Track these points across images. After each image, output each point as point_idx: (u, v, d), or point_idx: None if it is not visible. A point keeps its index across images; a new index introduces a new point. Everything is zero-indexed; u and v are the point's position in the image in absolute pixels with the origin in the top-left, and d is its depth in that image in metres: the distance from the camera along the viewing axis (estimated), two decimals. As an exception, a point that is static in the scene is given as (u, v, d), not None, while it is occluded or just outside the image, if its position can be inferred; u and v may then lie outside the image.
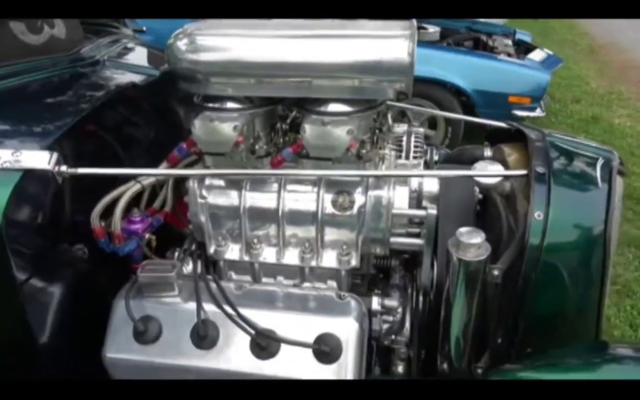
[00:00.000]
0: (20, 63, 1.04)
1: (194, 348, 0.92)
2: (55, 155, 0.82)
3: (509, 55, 3.77)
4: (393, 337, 1.13)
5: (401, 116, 3.37)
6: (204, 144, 0.99)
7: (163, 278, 0.95)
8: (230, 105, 0.99)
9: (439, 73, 3.42)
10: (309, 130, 0.95)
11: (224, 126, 0.96)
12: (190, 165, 1.12)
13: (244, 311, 0.94)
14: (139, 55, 1.45)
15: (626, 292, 2.37)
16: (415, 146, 1.24)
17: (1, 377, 0.92)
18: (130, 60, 1.39)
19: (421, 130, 1.31)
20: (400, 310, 1.12)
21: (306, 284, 1.06)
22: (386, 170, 1.10)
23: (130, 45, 1.46)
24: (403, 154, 1.23)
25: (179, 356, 0.92)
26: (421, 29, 3.93)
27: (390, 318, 1.13)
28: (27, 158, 0.82)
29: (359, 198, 1.01)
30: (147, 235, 1.03)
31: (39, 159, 0.82)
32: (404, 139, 1.26)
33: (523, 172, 0.95)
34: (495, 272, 0.88)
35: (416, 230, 1.07)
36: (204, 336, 0.91)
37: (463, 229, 0.89)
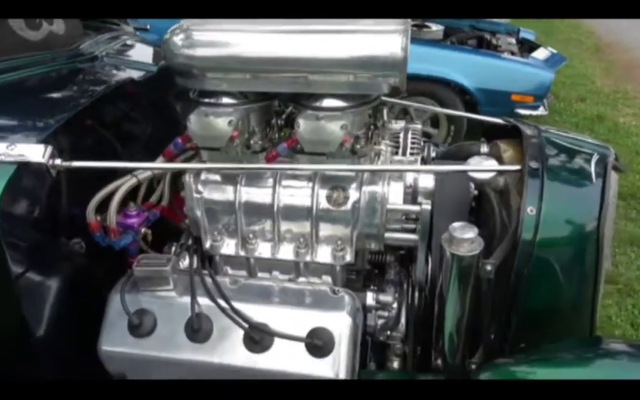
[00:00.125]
0: (18, 58, 1.06)
1: (187, 341, 0.93)
2: (49, 149, 0.83)
3: (513, 53, 3.76)
4: (388, 332, 1.13)
5: (403, 114, 3.37)
6: (199, 138, 0.99)
7: (158, 272, 0.96)
8: (225, 100, 1.00)
9: (442, 71, 3.41)
10: (303, 125, 0.95)
11: (218, 121, 0.96)
12: (186, 161, 1.12)
13: (238, 305, 0.94)
14: (138, 52, 1.46)
15: (628, 291, 2.35)
16: (413, 143, 1.24)
17: None
18: (129, 57, 1.40)
19: (418, 127, 1.31)
20: (395, 305, 1.12)
21: (301, 279, 1.07)
22: (380, 165, 1.10)
23: (129, 42, 1.47)
24: (400, 151, 1.23)
25: (173, 349, 0.93)
26: (424, 28, 3.92)
27: (386, 314, 1.13)
28: (22, 151, 0.83)
29: (353, 193, 1.01)
30: (143, 230, 1.04)
31: (33, 152, 0.83)
32: (401, 135, 1.26)
33: (517, 167, 0.95)
34: (488, 267, 0.88)
35: (411, 226, 1.07)
36: (197, 330, 0.92)
37: (456, 224, 0.89)
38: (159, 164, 1.06)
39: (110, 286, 0.99)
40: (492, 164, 0.98)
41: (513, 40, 4.07)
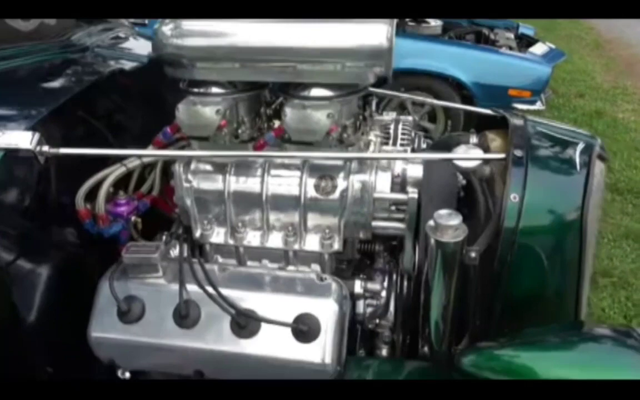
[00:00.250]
0: (9, 48, 1.06)
1: (175, 327, 0.94)
2: (37, 136, 0.84)
3: (511, 48, 3.76)
4: (377, 321, 1.14)
5: (401, 110, 3.37)
6: (187, 127, 1.00)
7: (146, 259, 0.97)
8: (214, 89, 1.01)
9: (440, 66, 3.42)
10: (289, 113, 0.96)
11: (206, 110, 0.97)
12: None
13: (227, 292, 0.95)
14: (131, 44, 1.47)
15: (622, 284, 2.36)
16: (403, 134, 1.25)
17: None
18: (121, 48, 1.40)
19: (409, 118, 1.32)
20: (384, 294, 1.13)
21: (290, 268, 1.08)
22: (367, 153, 1.10)
23: (122, 34, 1.47)
24: (390, 141, 1.24)
25: (161, 335, 0.94)
26: (423, 23, 3.92)
27: (375, 302, 1.14)
28: (9, 138, 0.84)
29: (341, 182, 1.02)
30: (133, 218, 1.05)
31: (20, 138, 0.84)
32: (392, 126, 1.27)
33: (501, 155, 0.96)
34: (473, 254, 0.89)
35: (399, 215, 1.08)
36: (185, 316, 0.93)
37: (441, 211, 0.90)
38: (147, 152, 1.06)
39: (101, 274, 1.01)
40: (478, 152, 0.98)
41: (511, 36, 4.07)
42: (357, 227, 1.05)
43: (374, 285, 1.11)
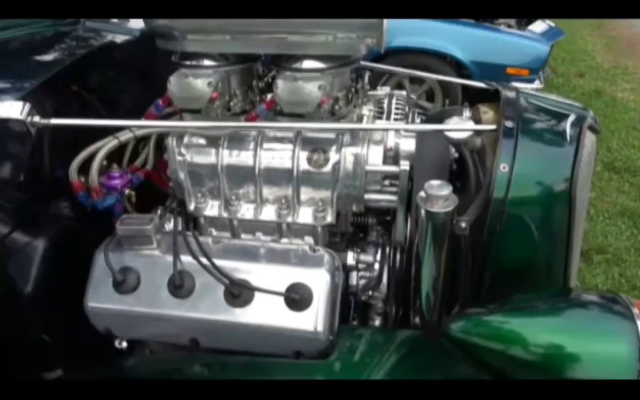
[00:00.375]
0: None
1: (170, 297, 0.95)
2: (27, 106, 0.84)
3: (509, 26, 3.72)
4: (370, 292, 1.16)
5: (399, 89, 3.35)
6: (179, 100, 1.01)
7: (140, 231, 0.98)
8: (205, 62, 1.01)
9: (437, 44, 3.39)
10: (281, 85, 0.96)
11: (197, 82, 0.97)
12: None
13: (220, 263, 0.97)
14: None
15: (616, 261, 2.39)
16: (397, 108, 1.25)
17: None
18: (113, 21, 1.39)
19: (403, 93, 1.32)
20: (377, 266, 1.15)
21: (284, 240, 1.09)
22: (358, 124, 1.10)
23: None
24: (384, 116, 1.24)
25: (157, 305, 0.96)
26: None
27: (368, 274, 1.16)
28: (0, 108, 0.85)
29: (333, 155, 1.03)
30: (126, 191, 1.06)
31: (11, 108, 0.84)
32: (385, 101, 1.27)
33: (492, 127, 0.96)
34: (463, 224, 0.90)
35: (392, 188, 1.09)
36: (180, 286, 0.95)
37: (432, 182, 0.91)
38: (140, 122, 1.06)
39: (96, 247, 1.02)
40: (469, 124, 0.99)
41: (511, 13, 4.02)
42: (350, 199, 1.06)
43: (366, 257, 1.12)
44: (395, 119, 1.22)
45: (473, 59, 3.35)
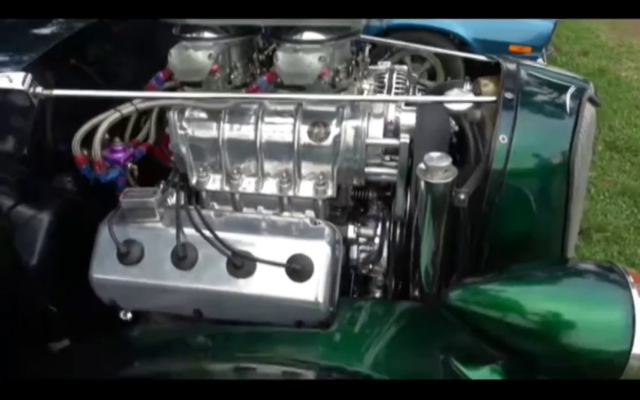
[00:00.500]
0: None
1: (174, 268, 0.97)
2: (29, 77, 0.85)
3: (513, 3, 3.67)
4: (370, 266, 1.18)
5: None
6: (180, 72, 1.01)
7: (143, 203, 0.99)
8: (206, 34, 1.00)
9: (440, 22, 3.35)
10: (281, 57, 0.96)
11: (198, 54, 0.97)
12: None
13: (223, 235, 0.98)
14: None
15: (615, 239, 2.40)
16: (397, 83, 1.24)
17: None
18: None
19: (405, 67, 1.31)
20: (377, 240, 1.16)
21: (285, 214, 1.10)
22: (358, 96, 1.10)
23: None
24: (385, 90, 1.23)
25: (160, 276, 0.97)
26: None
27: (368, 247, 1.17)
28: (2, 79, 0.85)
29: (334, 129, 1.03)
30: (129, 165, 1.07)
31: (13, 79, 0.85)
32: (387, 75, 1.26)
33: (492, 98, 0.96)
34: (462, 196, 0.91)
35: (392, 163, 1.09)
36: (183, 257, 0.96)
37: (432, 154, 0.91)
38: (141, 93, 1.06)
39: (100, 220, 1.03)
40: (469, 96, 0.99)
41: (514, -10, 3.97)
42: (351, 173, 1.07)
43: (367, 231, 1.13)
44: (396, 94, 1.22)
45: (476, 37, 3.32)
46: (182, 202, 1.07)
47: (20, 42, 1.00)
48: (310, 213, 1.10)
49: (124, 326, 1.04)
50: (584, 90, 1.00)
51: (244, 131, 1.05)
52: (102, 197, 1.08)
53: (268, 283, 0.94)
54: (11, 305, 0.97)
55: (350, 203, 1.20)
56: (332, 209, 1.16)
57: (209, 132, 1.06)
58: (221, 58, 1.00)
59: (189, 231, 1.00)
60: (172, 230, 0.99)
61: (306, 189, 1.07)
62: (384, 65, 1.31)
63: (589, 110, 0.98)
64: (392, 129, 1.08)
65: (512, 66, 1.04)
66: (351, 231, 1.12)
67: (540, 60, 3.37)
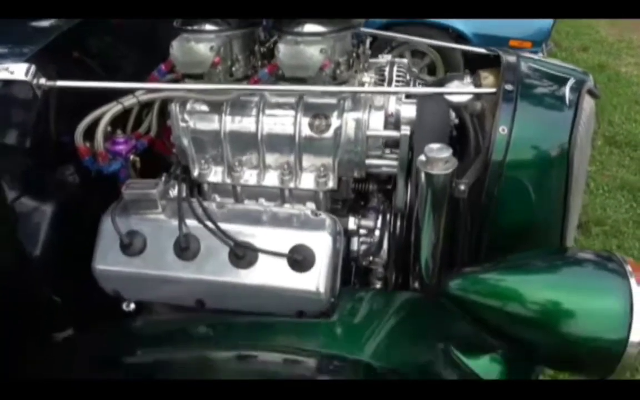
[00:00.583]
0: None
1: (176, 259, 0.98)
2: (33, 67, 0.85)
3: (513, -2, 3.67)
4: (371, 258, 1.18)
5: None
6: (181, 64, 1.01)
7: (146, 195, 1.00)
8: (207, 27, 1.01)
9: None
10: (283, 49, 0.97)
11: (200, 46, 0.98)
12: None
13: (224, 227, 0.99)
14: None
15: (614, 233, 2.41)
16: (398, 76, 1.25)
17: None
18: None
19: (405, 60, 1.32)
20: (377, 232, 1.17)
21: (286, 205, 1.11)
22: (359, 88, 1.11)
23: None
24: (385, 83, 1.24)
25: (163, 267, 0.98)
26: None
27: (369, 240, 1.18)
28: (4, 70, 0.85)
29: (335, 121, 1.04)
30: (131, 157, 1.08)
31: (16, 70, 0.85)
32: (387, 68, 1.27)
33: (492, 90, 0.97)
34: (462, 187, 0.92)
35: (392, 155, 1.10)
36: (185, 248, 0.97)
37: (432, 145, 0.92)
38: (145, 85, 1.07)
39: (102, 212, 1.04)
40: (469, 87, 1.00)
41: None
42: (351, 165, 1.07)
43: (367, 222, 1.14)
44: (397, 87, 1.23)
45: (475, 32, 3.32)
46: (184, 194, 1.08)
47: (21, 34, 1.01)
48: (311, 205, 1.11)
49: (126, 317, 1.05)
50: (583, 82, 1.01)
51: (246, 123, 1.06)
52: (104, 189, 1.08)
53: (270, 273, 0.95)
54: (16, 295, 0.98)
55: (351, 195, 1.20)
56: (333, 202, 1.16)
57: (211, 124, 1.07)
58: (223, 50, 1.01)
59: (191, 222, 1.00)
60: (174, 222, 1.00)
61: (307, 180, 1.08)
62: (384, 58, 1.32)
63: (588, 103, 0.99)
64: (392, 122, 1.09)
65: (512, 58, 1.05)
66: (352, 223, 1.12)
67: (540, 55, 3.37)
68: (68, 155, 1.04)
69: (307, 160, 1.07)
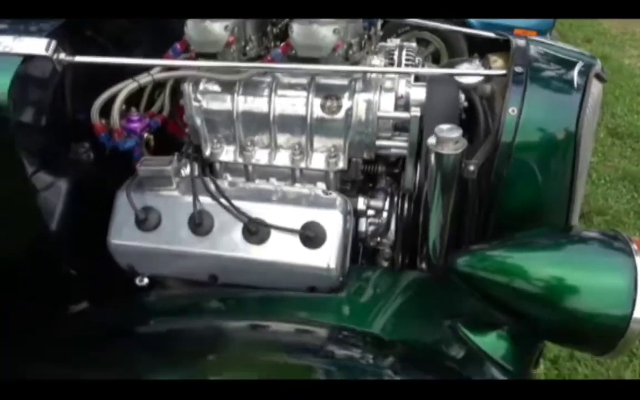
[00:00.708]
0: None
1: (191, 235, 1.00)
2: (54, 43, 0.86)
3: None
4: (378, 239, 1.21)
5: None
6: (196, 44, 1.03)
7: (160, 171, 1.02)
8: None
9: (444, 6, 3.34)
10: (296, 29, 0.98)
11: (215, 26, 0.99)
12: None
13: (237, 203, 1.01)
14: None
15: (615, 222, 2.44)
16: (407, 59, 1.26)
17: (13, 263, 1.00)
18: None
19: (414, 44, 1.33)
20: (385, 213, 1.19)
21: (297, 185, 1.13)
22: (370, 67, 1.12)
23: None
24: (395, 66, 1.25)
25: (177, 242, 1.00)
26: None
27: (377, 220, 1.20)
28: (27, 44, 0.87)
29: (346, 102, 1.05)
30: (145, 135, 1.09)
31: (37, 45, 0.87)
32: (396, 52, 1.28)
33: (502, 72, 0.99)
34: (471, 168, 0.94)
35: (402, 137, 1.12)
36: (200, 224, 0.99)
37: (442, 126, 0.94)
38: (162, 61, 1.08)
39: (116, 189, 1.06)
40: (479, 69, 1.01)
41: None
42: (362, 146, 1.09)
43: (376, 203, 1.16)
44: None
45: (481, 20, 3.31)
46: (197, 172, 1.09)
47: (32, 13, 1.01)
48: (321, 185, 1.13)
49: (140, 292, 1.07)
50: (591, 66, 1.02)
51: (258, 104, 1.07)
52: (117, 167, 1.10)
53: (282, 249, 0.98)
54: (34, 267, 1.00)
55: (360, 177, 1.22)
56: (342, 183, 1.18)
57: (223, 104, 1.08)
58: (237, 30, 1.02)
59: (204, 199, 1.03)
60: (188, 198, 1.02)
61: (318, 161, 1.10)
62: (393, 42, 1.33)
63: (595, 86, 1.00)
64: (402, 104, 1.10)
65: (521, 42, 1.06)
66: (361, 203, 1.14)
67: (544, 44, 3.38)
68: (83, 132, 1.06)
69: (318, 141, 1.09)
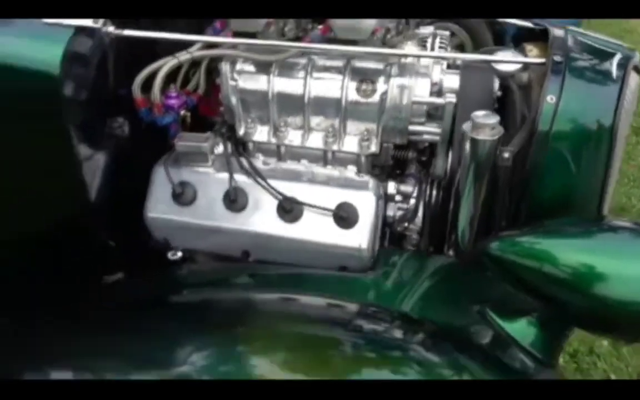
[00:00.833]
0: None
1: (225, 211, 1.02)
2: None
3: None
4: (406, 224, 1.22)
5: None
6: (236, 23, 1.04)
7: (197, 147, 1.04)
8: None
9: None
10: None
11: None
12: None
13: (271, 182, 1.03)
14: None
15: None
16: (440, 47, 1.26)
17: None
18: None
19: (446, 33, 1.33)
20: (414, 199, 1.20)
21: (329, 167, 1.15)
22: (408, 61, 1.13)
23: None
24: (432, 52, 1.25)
25: (212, 218, 1.03)
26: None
27: (405, 205, 1.21)
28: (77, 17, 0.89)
29: (381, 86, 1.06)
30: (182, 112, 1.12)
31: (87, 18, 0.89)
32: (429, 40, 1.28)
33: (541, 60, 0.99)
34: (506, 155, 0.94)
35: (434, 123, 1.12)
36: (234, 200, 1.02)
37: (478, 112, 0.94)
38: (208, 38, 1.10)
39: (153, 164, 1.08)
40: (518, 56, 1.01)
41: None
42: (395, 131, 1.10)
43: (406, 188, 1.17)
44: None
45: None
46: (230, 150, 1.12)
47: None
48: (352, 168, 1.14)
49: (172, 265, 1.10)
50: (629, 58, 1.01)
51: (293, 85, 1.09)
52: (153, 142, 1.13)
53: (315, 228, 0.99)
54: (74, 237, 1.04)
55: (390, 162, 1.23)
56: (373, 167, 1.20)
57: (259, 84, 1.10)
58: None
59: (239, 177, 1.05)
60: (223, 175, 1.05)
61: (350, 144, 1.11)
62: (427, 29, 1.33)
63: (633, 78, 1.00)
64: (436, 91, 1.11)
65: (559, 32, 1.06)
66: (392, 187, 1.16)
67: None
68: (121, 107, 1.08)
69: (352, 124, 1.10)
